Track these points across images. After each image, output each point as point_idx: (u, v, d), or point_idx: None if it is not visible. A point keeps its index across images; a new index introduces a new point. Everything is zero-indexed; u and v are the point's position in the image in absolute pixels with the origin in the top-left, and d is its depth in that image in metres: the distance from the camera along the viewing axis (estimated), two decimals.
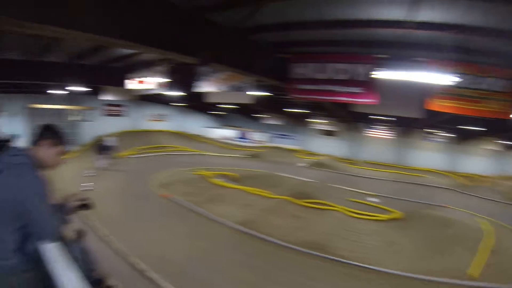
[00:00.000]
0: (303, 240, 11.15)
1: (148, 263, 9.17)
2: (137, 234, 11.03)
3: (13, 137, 4.70)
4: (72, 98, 26.47)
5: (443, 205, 17.29)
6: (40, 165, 2.59)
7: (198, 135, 36.81)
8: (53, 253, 2.26)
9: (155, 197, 15.74)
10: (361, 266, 9.59)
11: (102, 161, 20.97)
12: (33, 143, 2.67)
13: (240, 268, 9.43)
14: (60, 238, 2.49)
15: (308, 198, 15.55)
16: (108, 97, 15.69)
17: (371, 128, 28.74)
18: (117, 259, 9.40)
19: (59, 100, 25.42)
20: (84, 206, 2.93)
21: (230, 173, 20.81)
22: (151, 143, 29.77)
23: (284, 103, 24.52)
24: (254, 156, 29.50)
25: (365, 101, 8.72)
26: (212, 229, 12.11)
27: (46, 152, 2.65)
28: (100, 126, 28.38)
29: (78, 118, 26.38)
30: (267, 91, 13.18)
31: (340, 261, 9.84)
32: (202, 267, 9.39)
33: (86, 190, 15.15)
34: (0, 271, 2.35)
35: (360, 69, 8.40)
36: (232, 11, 5.83)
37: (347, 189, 18.75)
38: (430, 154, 29.65)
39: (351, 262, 9.78)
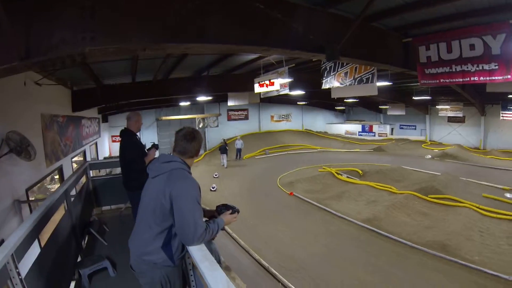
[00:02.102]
0: (430, 240, 10.65)
1: (271, 259, 9.51)
2: (260, 230, 11.48)
3: (155, 145, 5.39)
4: (198, 107, 29.14)
5: None
6: (189, 168, 2.77)
7: (321, 132, 37.01)
8: (199, 254, 2.37)
9: (282, 195, 16.26)
10: (493, 275, 8.58)
11: (225, 161, 23.28)
12: (182, 151, 2.78)
13: (361, 267, 9.27)
14: (206, 241, 2.59)
15: (436, 194, 14.60)
16: (231, 102, 16.64)
17: (508, 110, 23.93)
18: (243, 254, 9.97)
19: (186, 111, 28.24)
20: (233, 211, 2.92)
21: (355, 169, 20.63)
22: (275, 143, 30.97)
23: (407, 92, 23.05)
24: (378, 149, 28.53)
25: (502, 78, 7.46)
26: (336, 226, 12.24)
27: (193, 158, 2.85)
28: (226, 130, 30.54)
29: (205, 125, 28.75)
30: (390, 81, 12.55)
31: (470, 267, 9.01)
32: (323, 265, 9.44)
33: (213, 190, 16.51)
34: (145, 265, 2.62)
35: (493, 41, 7.22)
36: (352, 1, 5.74)
37: (479, 183, 16.85)
38: None
39: (482, 268, 8.85)
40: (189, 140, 2.77)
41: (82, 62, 7.15)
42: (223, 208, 2.93)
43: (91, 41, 3.70)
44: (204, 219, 2.67)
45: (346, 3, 5.90)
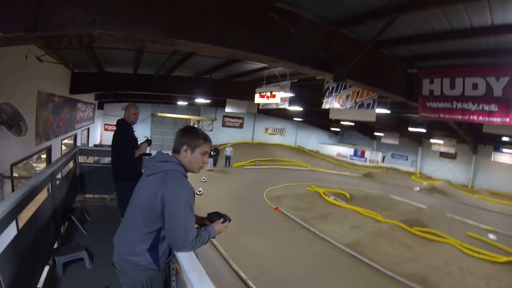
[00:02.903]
0: (411, 272, 10.68)
1: (250, 272, 9.39)
2: (242, 240, 11.38)
3: (149, 140, 5.29)
4: (194, 109, 29.13)
5: None
6: (186, 171, 2.61)
7: (313, 151, 37.10)
8: (187, 262, 2.27)
9: (267, 208, 16.18)
10: None
11: (211, 166, 23.33)
12: (175, 149, 2.64)
13: None
14: (195, 248, 2.47)
15: (421, 226, 14.76)
16: (228, 109, 16.59)
17: (500, 152, 24.08)
18: (221, 263, 9.83)
19: (182, 110, 28.19)
20: (224, 220, 2.81)
21: (342, 192, 20.61)
22: (267, 155, 30.96)
23: (403, 121, 23.22)
24: (368, 175, 28.61)
25: (500, 120, 7.44)
26: (318, 246, 12.17)
27: (190, 157, 2.61)
28: (219, 136, 30.50)
29: (199, 127, 28.75)
30: (389, 108, 12.56)
31: None
32: (302, 284, 9.36)
33: (199, 194, 16.39)
34: (129, 265, 2.48)
35: (496, 83, 7.22)
36: (366, 25, 5.71)
37: (464, 221, 16.93)
38: None
39: None
40: (180, 135, 2.65)
41: (88, 45, 7.05)
42: (215, 216, 2.81)
43: (102, 24, 3.60)
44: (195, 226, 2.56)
45: (359, 26, 5.90)
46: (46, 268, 4.22)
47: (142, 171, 2.68)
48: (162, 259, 2.53)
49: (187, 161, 2.59)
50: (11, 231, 3.26)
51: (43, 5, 3.40)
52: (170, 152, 2.66)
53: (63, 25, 3.51)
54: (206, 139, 2.68)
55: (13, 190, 6.19)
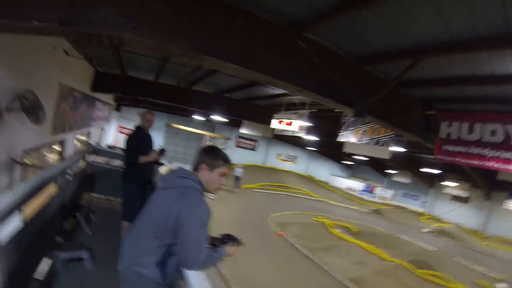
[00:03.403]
0: None
1: None
2: (243, 262, 11.19)
3: (162, 150, 5.30)
4: (210, 125, 29.23)
5: None
6: (204, 190, 2.60)
7: (324, 182, 36.69)
8: (196, 281, 2.37)
9: (271, 234, 16.00)
10: None
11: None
12: (195, 167, 2.64)
13: None
14: (205, 268, 2.51)
15: (428, 269, 14.20)
16: (244, 130, 16.59)
17: None
18: (221, 284, 9.66)
19: (197, 125, 28.31)
20: (235, 243, 2.82)
21: (349, 225, 20.20)
22: (276, 181, 30.66)
23: (417, 161, 22.99)
24: (377, 212, 28.09)
25: None
26: (320, 279, 11.84)
27: (208, 176, 2.59)
28: (232, 156, 30.51)
29: (212, 144, 28.82)
30: (403, 147, 12.43)
31: None
32: None
33: (212, 199, 16.27)
34: (135, 275, 2.44)
35: None
36: (390, 64, 5.77)
37: (472, 268, 16.25)
38: None
39: None
40: (201, 153, 2.66)
41: (117, 47, 7.16)
42: (228, 238, 2.82)
43: (133, 30, 3.66)
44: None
45: (383, 64, 5.92)
46: (46, 261, 4.19)
47: (159, 182, 2.70)
48: (169, 274, 2.50)
49: (205, 180, 2.58)
50: (16, 221, 3.26)
51: (77, 1, 3.47)
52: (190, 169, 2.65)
53: (95, 24, 3.57)
54: (226, 160, 2.67)
55: (23, 175, 6.28)
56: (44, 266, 4.08)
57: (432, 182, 29.92)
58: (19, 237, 3.11)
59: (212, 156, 2.61)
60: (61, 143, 9.08)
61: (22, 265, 3.18)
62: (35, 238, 3.63)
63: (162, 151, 5.52)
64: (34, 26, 3.44)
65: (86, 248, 4.47)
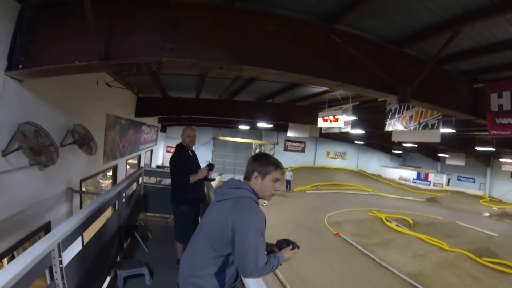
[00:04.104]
0: None
1: None
2: (301, 266, 11.17)
3: (210, 165, 5.39)
4: (256, 133, 29.54)
5: None
6: (258, 198, 2.58)
7: (375, 175, 36.04)
8: None
9: (327, 234, 15.90)
10: None
11: None
12: (246, 176, 2.62)
13: None
14: (264, 275, 2.43)
15: (491, 257, 13.52)
16: (291, 133, 16.60)
17: None
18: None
19: (244, 134, 28.68)
20: (293, 247, 2.75)
21: (405, 217, 19.69)
22: (328, 180, 30.53)
23: (470, 141, 21.84)
24: (432, 200, 27.18)
25: None
26: (378, 275, 11.65)
27: (261, 183, 2.56)
28: (281, 160, 30.60)
29: (261, 151, 29.12)
30: (454, 128, 11.91)
31: None
32: None
33: (264, 205, 16.41)
34: (193, 287, 2.48)
35: None
36: (427, 42, 5.50)
37: None
38: None
39: None
40: (252, 162, 2.63)
41: (156, 71, 7.45)
42: (284, 243, 2.78)
43: (170, 52, 3.75)
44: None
45: (420, 43, 5.65)
46: (108, 279, 4.44)
47: (213, 196, 2.71)
48: (228, 284, 2.51)
49: (258, 187, 2.55)
50: (77, 243, 3.49)
51: (114, 34, 3.68)
52: (242, 179, 2.64)
53: (133, 54, 3.75)
54: (278, 165, 2.62)
55: (81, 203, 6.80)
56: (105, 283, 4.34)
57: (488, 161, 28.29)
58: (82, 257, 3.33)
59: (263, 162, 2.57)
60: (114, 169, 9.56)
61: (84, 284, 3.33)
62: (96, 259, 3.85)
63: (210, 166, 5.41)
64: (76, 65, 3.69)
65: (145, 264, 4.66)
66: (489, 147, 19.68)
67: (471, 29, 5.00)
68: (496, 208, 24.72)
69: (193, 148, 5.49)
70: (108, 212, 4.96)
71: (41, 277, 2.70)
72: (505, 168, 25.60)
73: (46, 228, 5.06)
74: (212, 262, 2.43)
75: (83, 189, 7.08)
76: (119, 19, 3.78)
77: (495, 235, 16.85)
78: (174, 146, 5.40)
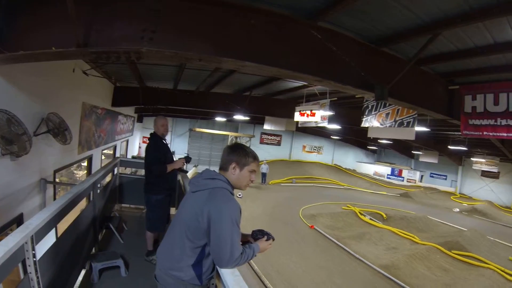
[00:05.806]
0: None
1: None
2: (275, 257, 11.26)
3: (188, 157, 5.35)
4: (232, 125, 29.49)
5: None
6: (233, 188, 2.60)
7: (350, 169, 36.54)
8: (231, 279, 2.32)
9: (302, 226, 16.06)
10: None
11: None
12: (222, 166, 2.63)
13: None
14: (240, 265, 2.46)
15: (460, 250, 14.02)
16: (267, 126, 16.62)
17: None
18: (254, 279, 9.75)
19: (220, 126, 28.60)
20: (268, 238, 2.78)
21: (379, 211, 20.08)
22: (303, 173, 30.78)
23: (443, 140, 22.45)
24: (405, 195, 27.77)
25: None
26: (351, 267, 11.84)
27: (238, 174, 2.59)
28: (257, 153, 30.76)
29: (236, 141, 29.16)
30: (428, 126, 12.21)
31: None
32: None
33: (239, 197, 16.45)
34: (172, 279, 2.49)
35: None
36: (407, 43, 5.66)
37: (507, 245, 16.03)
38: None
39: None
40: (229, 152, 2.62)
41: (133, 61, 7.31)
42: (259, 233, 2.80)
43: (149, 42, 3.70)
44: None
45: (400, 44, 5.80)
46: (83, 272, 4.38)
47: (188, 186, 2.69)
48: (205, 275, 2.54)
49: (235, 178, 2.58)
50: (51, 234, 3.41)
51: (94, 22, 3.58)
52: (217, 170, 2.66)
53: (112, 42, 3.67)
54: (255, 157, 2.67)
55: (54, 194, 6.60)
56: (80, 276, 4.27)
57: (460, 159, 29.41)
58: (55, 249, 3.26)
59: (241, 154, 2.59)
60: (89, 159, 9.37)
61: (59, 277, 3.29)
62: (70, 251, 3.78)
63: (187, 159, 5.47)
64: (52, 52, 3.58)
65: (120, 256, 4.61)
66: (461, 147, 20.36)
67: (450, 33, 5.16)
68: (466, 204, 25.67)
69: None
70: (83, 204, 4.86)
71: (14, 271, 2.62)
72: (475, 166, 26.71)
73: (19, 221, 4.92)
74: (189, 253, 2.44)
75: (57, 180, 6.89)
76: (101, 6, 3.68)
77: (465, 229, 17.42)
78: (149, 136, 5.31)
